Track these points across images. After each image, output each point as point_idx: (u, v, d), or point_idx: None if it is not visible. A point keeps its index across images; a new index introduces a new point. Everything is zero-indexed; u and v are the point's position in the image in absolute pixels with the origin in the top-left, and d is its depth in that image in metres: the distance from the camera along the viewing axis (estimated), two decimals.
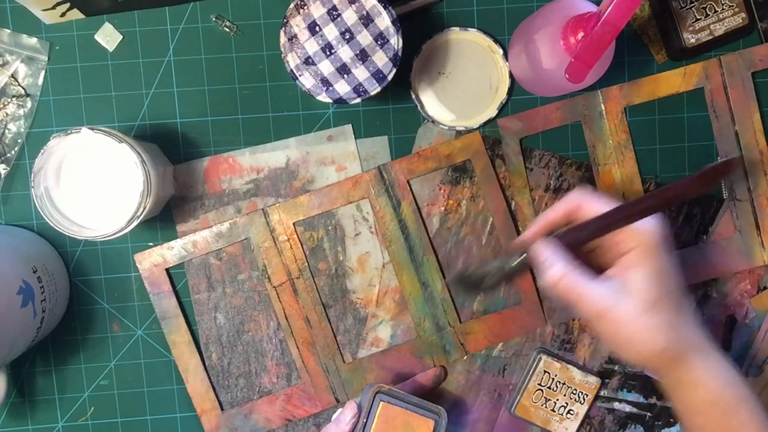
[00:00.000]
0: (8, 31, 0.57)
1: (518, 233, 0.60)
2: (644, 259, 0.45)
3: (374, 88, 0.53)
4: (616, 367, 0.61)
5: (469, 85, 0.59)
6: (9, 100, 0.58)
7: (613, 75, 0.58)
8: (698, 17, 0.58)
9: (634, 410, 0.61)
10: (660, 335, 0.46)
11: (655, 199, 0.46)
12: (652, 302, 0.45)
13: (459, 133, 0.59)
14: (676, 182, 0.46)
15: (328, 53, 0.53)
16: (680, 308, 0.47)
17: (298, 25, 0.52)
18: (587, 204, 0.47)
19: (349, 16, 0.52)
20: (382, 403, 0.52)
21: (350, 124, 0.59)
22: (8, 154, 0.58)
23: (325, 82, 0.53)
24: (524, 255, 0.49)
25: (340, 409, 0.54)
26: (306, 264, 0.59)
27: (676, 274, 0.47)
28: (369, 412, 0.51)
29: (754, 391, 0.48)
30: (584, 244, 0.48)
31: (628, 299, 0.45)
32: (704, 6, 0.58)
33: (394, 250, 0.59)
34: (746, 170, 0.60)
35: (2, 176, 0.58)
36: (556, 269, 0.46)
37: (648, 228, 0.46)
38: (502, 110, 0.60)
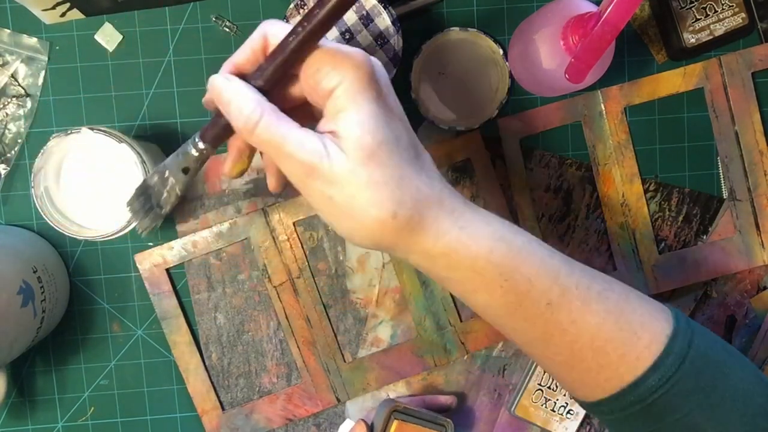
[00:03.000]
0: (8, 31, 0.57)
1: None
2: (353, 97, 0.35)
3: None
4: None
5: (469, 85, 0.59)
6: (9, 100, 0.58)
7: (613, 75, 0.58)
8: (698, 17, 0.58)
9: None
10: (386, 192, 0.35)
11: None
12: (371, 152, 0.35)
13: (459, 133, 0.59)
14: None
15: None
16: (412, 160, 0.36)
17: None
18: (274, 32, 0.37)
19: (349, 16, 0.52)
20: (396, 421, 0.53)
21: None
22: (8, 154, 0.58)
23: None
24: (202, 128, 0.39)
25: (347, 423, 0.54)
26: (306, 264, 0.59)
27: (402, 121, 0.37)
28: (384, 430, 0.52)
29: (537, 242, 0.39)
30: (278, 82, 0.38)
31: (341, 150, 0.35)
32: (704, 6, 0.58)
33: None
34: (746, 170, 0.60)
35: (2, 176, 0.58)
36: (248, 108, 0.35)
37: (358, 54, 0.36)
38: (502, 110, 0.60)
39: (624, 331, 0.39)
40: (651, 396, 0.39)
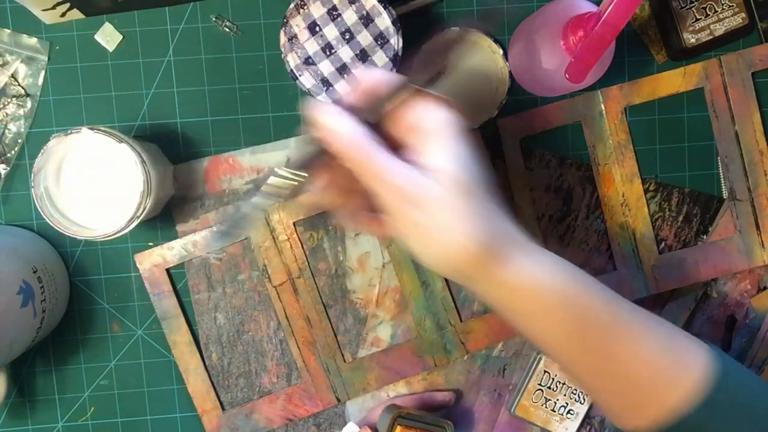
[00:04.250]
0: (8, 31, 0.57)
1: None
2: (452, 137, 0.38)
3: None
4: None
5: (469, 85, 0.59)
6: (9, 100, 0.58)
7: (613, 75, 0.58)
8: (698, 17, 0.58)
9: None
10: (478, 223, 0.38)
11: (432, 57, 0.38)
12: (466, 186, 0.38)
13: None
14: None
15: (328, 53, 0.53)
16: (493, 203, 0.40)
17: (298, 25, 0.52)
18: (367, 76, 0.39)
19: (349, 16, 0.52)
20: (399, 426, 0.53)
21: None
22: (8, 154, 0.58)
23: (325, 82, 0.53)
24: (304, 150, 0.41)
25: (349, 427, 0.54)
26: (306, 264, 0.59)
27: (483, 164, 0.40)
28: None
29: (593, 280, 0.42)
30: (378, 119, 0.40)
31: (437, 181, 0.38)
32: (704, 6, 0.58)
33: (394, 249, 0.59)
34: (746, 170, 0.60)
35: (2, 176, 0.58)
36: (345, 131, 0.37)
37: (442, 112, 0.39)
38: (502, 110, 0.60)
39: (675, 364, 0.42)
40: (700, 427, 0.41)
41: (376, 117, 0.39)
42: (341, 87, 0.53)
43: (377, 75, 0.40)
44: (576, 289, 0.41)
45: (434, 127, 0.39)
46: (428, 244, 0.39)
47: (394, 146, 0.40)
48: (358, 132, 0.38)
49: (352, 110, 0.39)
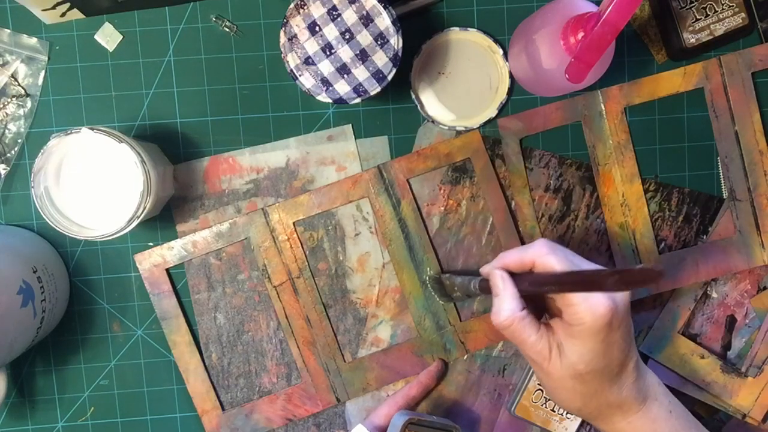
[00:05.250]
0: (8, 31, 0.57)
1: (518, 233, 0.60)
2: (587, 337, 0.46)
3: (374, 88, 0.53)
4: None
5: (469, 85, 0.59)
6: (9, 100, 0.58)
7: (613, 75, 0.58)
8: (698, 17, 0.58)
9: None
10: (578, 399, 0.49)
11: (611, 278, 0.43)
12: (579, 373, 0.48)
13: (459, 134, 0.59)
14: (637, 269, 0.42)
15: (328, 53, 0.53)
16: (613, 377, 0.48)
17: (298, 25, 0.52)
18: (545, 262, 0.48)
19: (349, 16, 0.52)
20: None
21: (350, 124, 0.59)
22: (8, 154, 0.58)
23: (325, 82, 0.53)
24: (480, 279, 0.52)
25: (359, 429, 0.54)
26: (306, 264, 0.59)
27: (619, 349, 0.48)
28: None
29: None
30: (536, 294, 0.50)
31: (560, 361, 0.48)
32: (704, 6, 0.58)
33: (394, 249, 0.59)
34: (746, 170, 0.60)
35: (2, 176, 0.58)
36: (505, 312, 0.48)
37: (602, 308, 0.46)
38: (502, 110, 0.60)
39: None
40: None
41: (534, 292, 0.49)
42: (341, 87, 0.53)
43: (541, 259, 0.48)
44: None
45: (577, 327, 0.46)
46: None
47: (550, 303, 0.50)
48: (514, 317, 0.48)
49: (520, 279, 0.48)
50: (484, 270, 0.52)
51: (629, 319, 0.48)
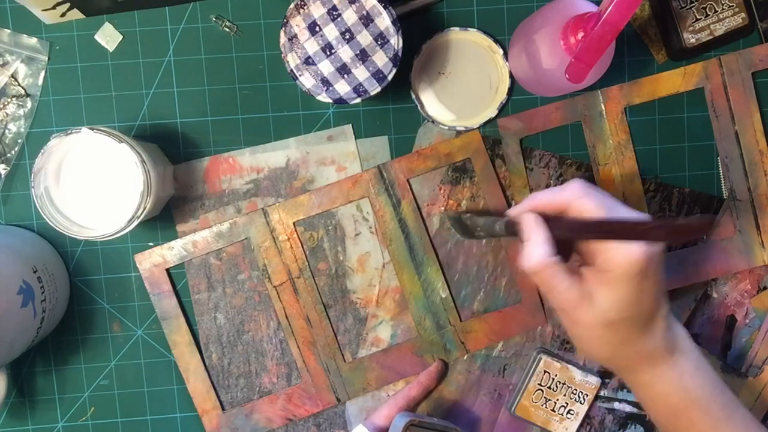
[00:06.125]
0: (8, 31, 0.57)
1: None
2: (620, 283, 0.45)
3: (374, 88, 0.53)
4: None
5: (469, 85, 0.59)
6: (9, 100, 0.58)
7: (613, 75, 0.58)
8: (698, 17, 0.58)
9: (634, 410, 0.61)
10: (607, 348, 0.48)
11: (658, 231, 0.44)
12: (610, 321, 0.46)
13: (459, 134, 0.59)
14: (685, 220, 0.45)
15: (328, 53, 0.53)
16: (643, 326, 0.47)
17: (298, 25, 0.52)
18: (580, 205, 0.46)
19: (349, 16, 0.52)
20: None
21: (350, 124, 0.59)
22: (8, 154, 0.58)
23: (325, 82, 0.53)
24: (507, 221, 0.50)
25: (360, 429, 0.54)
26: (306, 264, 0.59)
27: (650, 298, 0.46)
28: None
29: (713, 396, 0.49)
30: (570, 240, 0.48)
31: (590, 309, 0.46)
32: (704, 6, 0.58)
33: (394, 249, 0.59)
34: (746, 170, 0.60)
35: (2, 176, 0.58)
36: (536, 257, 0.46)
37: (637, 255, 0.44)
38: (502, 110, 0.60)
39: None
40: None
41: (568, 238, 0.47)
42: (341, 87, 0.53)
43: (578, 203, 0.47)
44: (684, 399, 0.49)
45: (610, 273, 0.45)
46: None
47: (582, 250, 0.49)
48: (546, 262, 0.46)
49: (554, 225, 0.46)
50: (513, 212, 0.50)
51: (662, 268, 0.47)
